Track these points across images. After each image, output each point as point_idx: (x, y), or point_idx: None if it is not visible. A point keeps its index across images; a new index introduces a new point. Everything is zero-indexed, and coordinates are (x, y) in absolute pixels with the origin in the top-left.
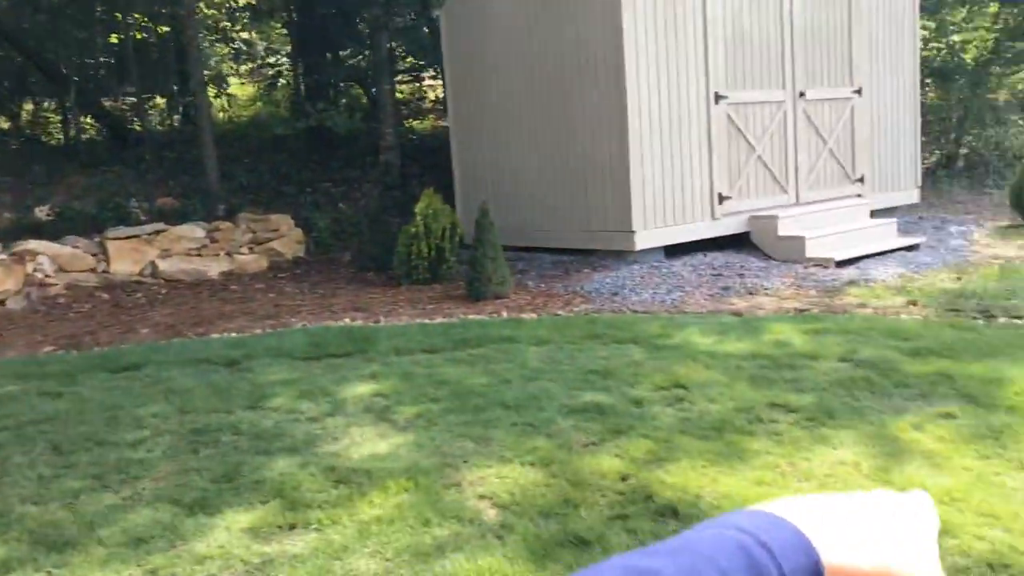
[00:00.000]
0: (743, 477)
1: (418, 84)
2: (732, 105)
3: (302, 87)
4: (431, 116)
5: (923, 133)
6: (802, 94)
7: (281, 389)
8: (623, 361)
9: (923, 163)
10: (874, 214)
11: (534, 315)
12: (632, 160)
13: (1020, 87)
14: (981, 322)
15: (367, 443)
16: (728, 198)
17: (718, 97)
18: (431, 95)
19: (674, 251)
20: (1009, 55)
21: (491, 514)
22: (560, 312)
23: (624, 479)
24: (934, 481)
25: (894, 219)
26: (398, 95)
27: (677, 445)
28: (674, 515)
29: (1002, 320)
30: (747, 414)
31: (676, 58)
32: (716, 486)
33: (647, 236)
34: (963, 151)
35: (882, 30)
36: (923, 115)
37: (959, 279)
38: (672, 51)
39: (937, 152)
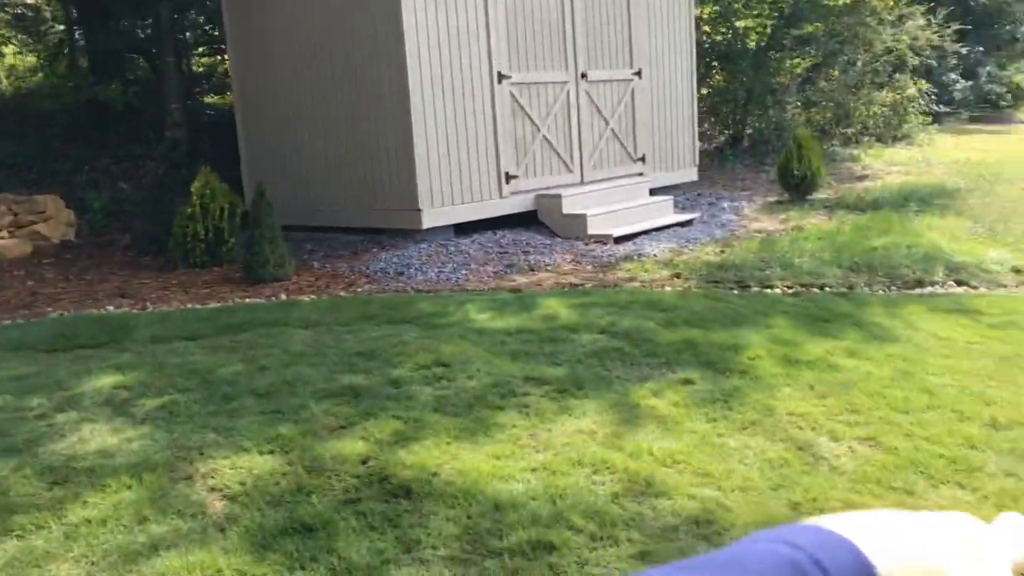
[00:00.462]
0: (483, 452)
1: (219, 57)
2: (516, 85)
3: (84, 58)
4: (234, 91)
5: (713, 114)
6: (584, 75)
7: (11, 385)
8: (392, 341)
9: (712, 143)
10: (656, 192)
11: (314, 297)
12: (416, 138)
13: (797, 71)
14: (736, 292)
15: (96, 439)
16: (515, 177)
17: (501, 76)
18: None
19: (464, 229)
20: (785, 41)
21: (218, 507)
22: (342, 293)
23: (364, 462)
24: (660, 445)
25: (671, 197)
26: (197, 68)
27: (426, 424)
28: (407, 495)
29: (755, 289)
30: (502, 389)
31: (458, 37)
32: (455, 462)
33: (435, 215)
34: (748, 131)
35: (660, 13)
36: (712, 97)
37: (722, 252)
38: (454, 30)
39: (726, 132)
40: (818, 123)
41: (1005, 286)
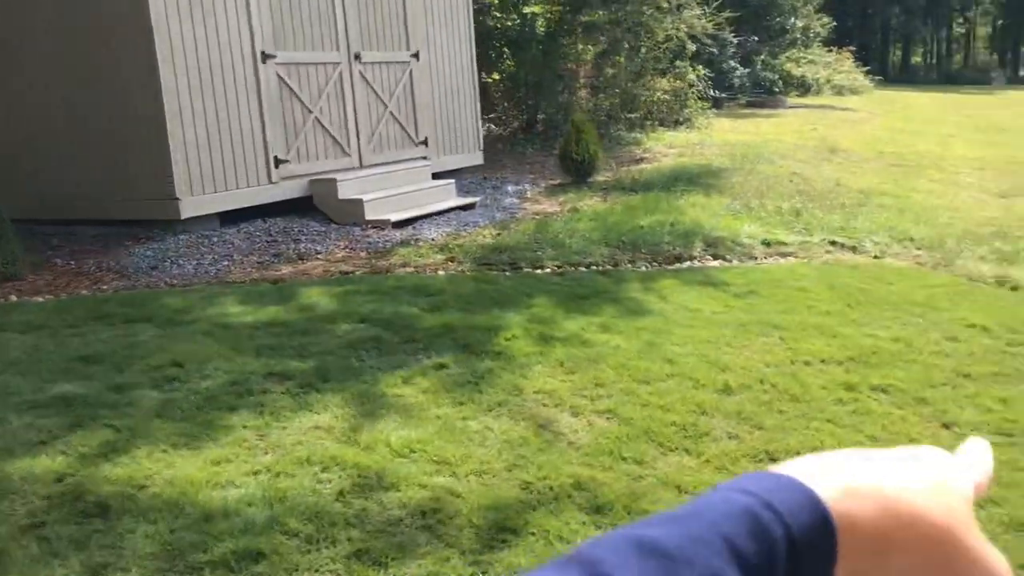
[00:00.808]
0: (203, 458)
1: None
2: (282, 65)
3: None
4: None
5: (508, 99)
6: (358, 56)
7: None
8: (124, 343)
9: (507, 128)
10: (441, 176)
11: (51, 297)
12: (169, 122)
13: (587, 58)
14: (507, 273)
15: None
16: (286, 161)
17: (265, 56)
18: None
19: (233, 219)
20: (569, 27)
21: None
22: (85, 291)
23: (60, 480)
24: (399, 434)
25: (453, 181)
26: None
27: (144, 432)
28: (103, 514)
29: (526, 270)
30: (239, 387)
31: (215, 13)
32: (168, 472)
33: (195, 203)
34: (541, 116)
35: None
36: (505, 82)
37: (499, 235)
38: (208, 6)
39: (520, 117)
40: (606, 109)
41: (755, 258)
